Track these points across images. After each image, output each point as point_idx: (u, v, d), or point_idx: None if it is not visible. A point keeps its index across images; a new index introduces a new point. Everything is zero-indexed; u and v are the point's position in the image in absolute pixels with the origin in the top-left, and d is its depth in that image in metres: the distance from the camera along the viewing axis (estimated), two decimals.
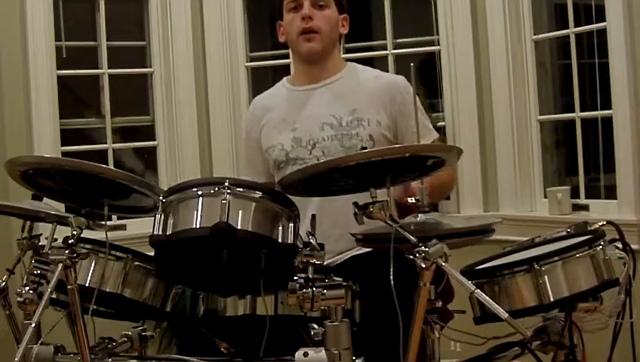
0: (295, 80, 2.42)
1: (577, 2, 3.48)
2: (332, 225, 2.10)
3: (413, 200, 1.80)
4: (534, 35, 3.64)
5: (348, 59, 2.48)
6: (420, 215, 1.77)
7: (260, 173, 2.39)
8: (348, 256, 2.20)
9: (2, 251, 2.83)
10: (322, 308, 1.62)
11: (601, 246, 1.84)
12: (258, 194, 1.70)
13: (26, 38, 3.56)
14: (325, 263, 1.72)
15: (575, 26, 3.46)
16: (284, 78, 2.46)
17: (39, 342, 1.78)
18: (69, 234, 1.73)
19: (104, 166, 1.77)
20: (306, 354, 1.63)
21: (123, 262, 1.87)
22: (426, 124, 2.34)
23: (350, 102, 2.27)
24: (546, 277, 1.78)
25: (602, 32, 3.25)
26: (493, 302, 1.54)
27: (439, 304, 1.71)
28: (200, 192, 1.70)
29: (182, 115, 3.88)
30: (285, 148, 2.28)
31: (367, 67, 2.45)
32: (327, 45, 2.31)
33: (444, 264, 1.56)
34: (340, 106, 2.27)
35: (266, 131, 2.36)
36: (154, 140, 3.95)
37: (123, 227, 3.65)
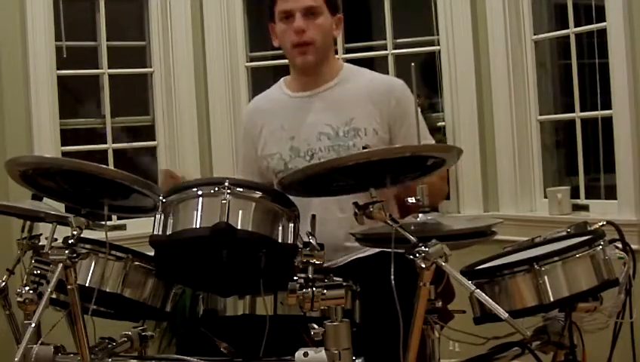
0: (292, 85, 2.37)
1: (577, 2, 3.48)
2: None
3: (414, 200, 1.79)
4: (534, 35, 3.64)
5: (348, 60, 2.47)
6: (420, 215, 1.77)
7: (255, 174, 2.37)
8: (348, 260, 2.19)
9: (2, 251, 2.83)
10: (322, 308, 1.62)
11: (601, 247, 1.83)
12: (258, 194, 1.71)
13: (26, 38, 3.56)
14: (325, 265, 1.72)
15: (575, 26, 3.46)
16: (282, 80, 2.41)
17: (39, 342, 1.78)
18: (69, 234, 1.73)
19: (104, 166, 1.77)
20: (306, 354, 1.64)
21: (123, 262, 1.87)
22: (424, 131, 2.24)
23: (346, 112, 2.23)
24: (546, 277, 1.77)
25: (602, 32, 3.25)
26: (493, 302, 1.54)
27: (439, 304, 1.71)
28: (200, 192, 1.70)
29: (182, 115, 3.88)
30: (284, 157, 2.26)
31: (364, 69, 2.40)
32: (322, 54, 2.27)
33: (444, 264, 1.56)
34: (336, 116, 2.23)
35: (264, 138, 2.33)
36: (154, 140, 3.95)
37: (123, 227, 3.66)
